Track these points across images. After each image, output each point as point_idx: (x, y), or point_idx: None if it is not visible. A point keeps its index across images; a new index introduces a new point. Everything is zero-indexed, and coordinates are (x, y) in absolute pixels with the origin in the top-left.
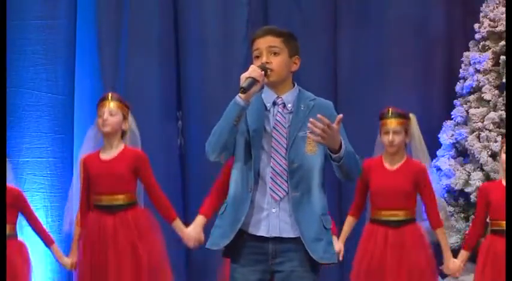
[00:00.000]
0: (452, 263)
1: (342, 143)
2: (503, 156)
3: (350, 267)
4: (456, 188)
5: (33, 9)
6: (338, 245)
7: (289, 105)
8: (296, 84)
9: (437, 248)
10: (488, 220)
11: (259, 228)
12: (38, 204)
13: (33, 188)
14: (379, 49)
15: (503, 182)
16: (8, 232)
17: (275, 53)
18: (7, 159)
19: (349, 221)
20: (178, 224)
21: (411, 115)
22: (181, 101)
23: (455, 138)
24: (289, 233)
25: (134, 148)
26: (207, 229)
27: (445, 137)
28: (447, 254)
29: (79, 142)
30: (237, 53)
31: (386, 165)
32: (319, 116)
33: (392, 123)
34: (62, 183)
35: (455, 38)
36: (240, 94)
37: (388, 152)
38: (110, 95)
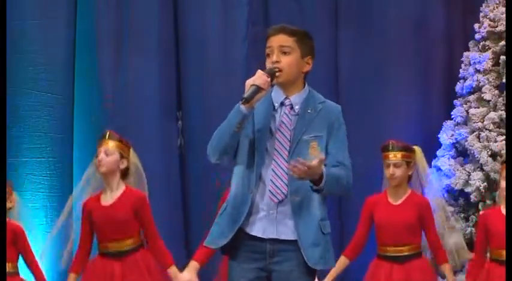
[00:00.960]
0: None
1: (324, 175)
2: (503, 183)
3: None
4: (456, 188)
5: (33, 9)
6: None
7: (297, 107)
8: (307, 86)
9: None
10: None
11: (253, 228)
12: (38, 204)
13: (33, 188)
14: (379, 49)
15: (503, 210)
16: (8, 269)
17: (285, 53)
18: (15, 191)
19: (342, 262)
20: (174, 270)
21: (416, 148)
22: (181, 101)
23: (455, 139)
24: (287, 235)
25: (137, 188)
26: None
27: (445, 137)
28: None
29: (78, 141)
30: (237, 53)
31: (391, 200)
32: (299, 160)
33: (393, 156)
34: (62, 183)
35: (455, 38)
36: (242, 103)
37: (390, 185)
38: (107, 134)
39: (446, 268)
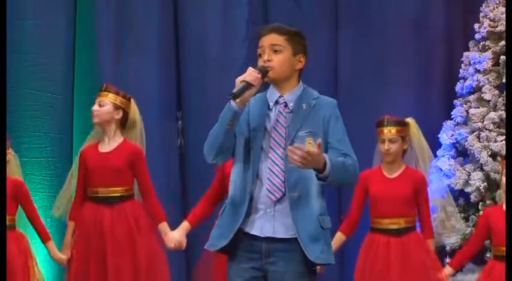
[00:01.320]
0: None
1: (327, 162)
2: (504, 179)
3: (350, 274)
4: (456, 188)
5: (33, 9)
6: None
7: (291, 104)
8: (301, 83)
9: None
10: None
11: (253, 227)
12: (37, 204)
13: (33, 188)
14: (379, 49)
15: (504, 207)
16: (7, 222)
17: (276, 51)
18: (15, 154)
19: (339, 238)
20: (164, 226)
21: (409, 120)
22: (181, 101)
23: (455, 139)
24: (283, 234)
25: (134, 142)
26: (192, 236)
27: (445, 137)
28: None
29: (78, 141)
30: (237, 53)
31: (386, 173)
32: (296, 145)
33: (388, 131)
34: (61, 183)
35: (455, 38)
36: (231, 99)
37: (385, 160)
38: (104, 86)
39: (430, 243)
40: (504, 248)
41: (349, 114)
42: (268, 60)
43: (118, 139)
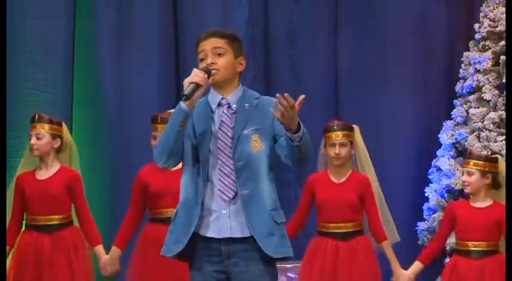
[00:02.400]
0: (402, 275)
1: (301, 124)
2: (464, 177)
3: None
4: (456, 188)
5: (32, 8)
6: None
7: (234, 105)
8: (241, 85)
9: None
10: (452, 239)
11: (209, 230)
12: None
13: None
14: (379, 49)
15: (472, 203)
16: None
17: (220, 54)
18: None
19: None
20: (100, 249)
21: (355, 127)
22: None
23: (455, 138)
24: (240, 233)
25: (70, 165)
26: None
27: (445, 137)
28: (396, 266)
29: (78, 141)
30: None
31: (333, 178)
32: (286, 94)
33: (338, 135)
34: None
35: (455, 38)
36: (183, 101)
37: (334, 165)
38: (36, 116)
39: (385, 245)
40: (468, 243)
41: (349, 114)
42: (213, 63)
43: (55, 166)
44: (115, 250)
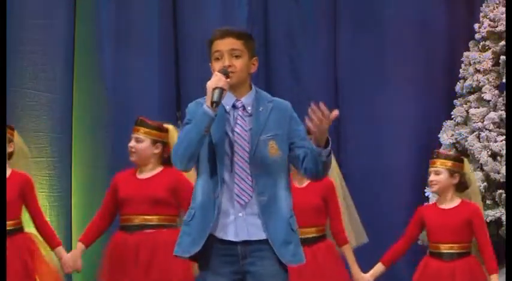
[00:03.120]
0: (361, 278)
1: (329, 141)
2: (432, 177)
3: None
4: None
5: (32, 8)
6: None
7: (249, 107)
8: (253, 86)
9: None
10: (420, 241)
11: (227, 232)
12: None
13: None
14: (379, 49)
15: (439, 205)
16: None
17: (237, 56)
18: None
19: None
20: (60, 250)
21: None
22: (180, 101)
23: (455, 138)
24: (258, 235)
25: (22, 169)
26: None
27: (445, 137)
28: (355, 268)
29: (78, 141)
30: None
31: (296, 183)
32: (321, 104)
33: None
34: (61, 183)
35: (455, 38)
36: (210, 107)
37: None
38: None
39: (346, 248)
40: (440, 245)
41: (349, 114)
42: (230, 66)
43: (7, 171)
44: (79, 246)
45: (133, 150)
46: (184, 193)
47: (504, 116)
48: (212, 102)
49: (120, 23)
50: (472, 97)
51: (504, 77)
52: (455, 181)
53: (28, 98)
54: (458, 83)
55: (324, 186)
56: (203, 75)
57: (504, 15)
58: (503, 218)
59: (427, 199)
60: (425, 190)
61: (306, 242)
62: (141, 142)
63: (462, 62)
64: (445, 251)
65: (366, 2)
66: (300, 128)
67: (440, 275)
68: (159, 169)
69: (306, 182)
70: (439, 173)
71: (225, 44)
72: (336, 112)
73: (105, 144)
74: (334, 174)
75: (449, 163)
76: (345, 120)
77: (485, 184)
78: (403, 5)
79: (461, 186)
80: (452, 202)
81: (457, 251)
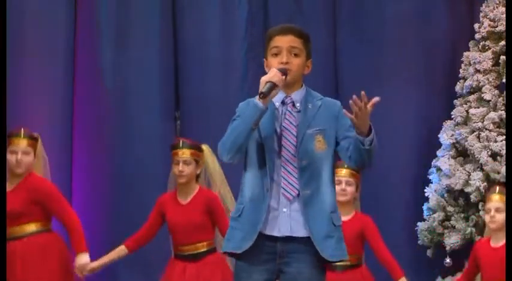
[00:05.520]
0: None
1: (372, 129)
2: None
3: None
4: (456, 188)
5: (32, 8)
6: (94, 263)
7: (298, 104)
8: (304, 85)
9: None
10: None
11: (271, 228)
12: None
13: None
14: (379, 49)
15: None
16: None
17: (296, 54)
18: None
19: (121, 250)
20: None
21: (204, 147)
22: (179, 101)
23: (455, 138)
24: (300, 232)
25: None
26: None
27: (445, 137)
28: None
29: (78, 142)
30: (236, 53)
31: (180, 199)
32: (363, 93)
33: (183, 153)
34: (61, 184)
35: (455, 38)
36: (259, 99)
37: (179, 183)
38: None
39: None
40: None
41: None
42: (287, 63)
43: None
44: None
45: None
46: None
47: (504, 116)
48: (260, 93)
49: (119, 23)
50: (472, 97)
51: (504, 77)
52: (357, 194)
53: (28, 98)
54: (458, 83)
55: (207, 199)
56: (202, 75)
57: (504, 15)
58: None
59: (427, 199)
60: (425, 190)
61: (193, 258)
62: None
63: (462, 62)
64: (338, 263)
65: (366, 2)
66: (347, 121)
67: None
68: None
69: (189, 197)
70: (351, 184)
71: (285, 41)
72: (376, 98)
73: (106, 144)
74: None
75: (355, 174)
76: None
77: (485, 184)
78: (403, 4)
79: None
80: (349, 214)
81: (349, 263)
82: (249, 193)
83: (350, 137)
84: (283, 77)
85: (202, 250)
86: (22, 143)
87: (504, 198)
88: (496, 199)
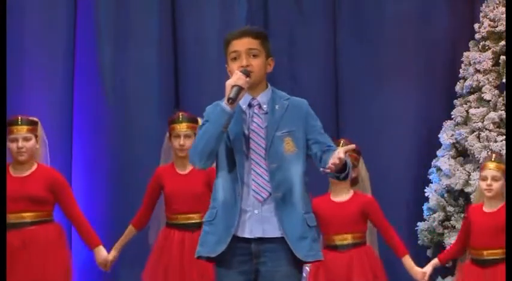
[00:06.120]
0: None
1: (347, 162)
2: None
3: None
4: (456, 188)
5: (32, 8)
6: (112, 253)
7: (265, 106)
8: (269, 85)
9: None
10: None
11: (243, 230)
12: None
13: None
14: (379, 49)
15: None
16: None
17: (255, 56)
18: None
19: (130, 231)
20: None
21: (200, 119)
22: (179, 100)
23: (455, 138)
24: (272, 233)
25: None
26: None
27: (445, 137)
28: None
29: (78, 142)
30: None
31: (179, 170)
32: (339, 157)
33: (183, 127)
34: None
35: (455, 38)
36: (227, 103)
37: (178, 156)
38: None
39: None
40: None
41: (349, 113)
42: (248, 65)
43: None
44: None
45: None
46: None
47: (504, 116)
48: (228, 99)
49: (119, 22)
50: (472, 97)
51: (504, 77)
52: (355, 174)
53: (28, 98)
54: (458, 83)
55: (207, 171)
56: (201, 74)
57: (504, 15)
58: None
59: (427, 199)
60: (425, 190)
61: (189, 227)
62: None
63: (462, 62)
64: (339, 243)
65: (366, 2)
66: (317, 123)
67: (337, 266)
68: None
69: (188, 169)
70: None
71: (242, 44)
72: (351, 146)
73: (106, 144)
74: None
75: (353, 155)
76: (345, 120)
77: None
78: (403, 5)
79: (355, 179)
80: (346, 195)
81: (351, 241)
82: (222, 196)
83: (321, 142)
84: (247, 78)
85: (199, 221)
86: (21, 130)
87: (500, 166)
88: (493, 167)
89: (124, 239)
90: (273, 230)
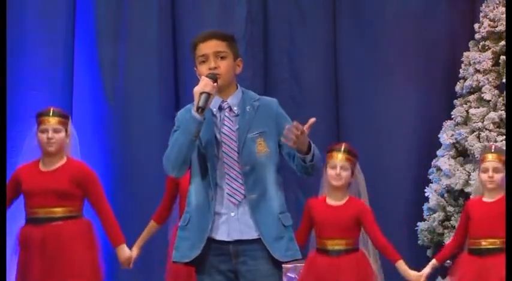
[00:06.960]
0: None
1: (311, 145)
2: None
3: None
4: (456, 188)
5: (32, 8)
6: (134, 251)
7: (235, 108)
8: (239, 86)
9: None
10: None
11: (221, 233)
12: None
13: None
14: (379, 49)
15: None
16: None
17: (222, 58)
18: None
19: (152, 226)
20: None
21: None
22: (179, 101)
23: (455, 138)
24: (250, 234)
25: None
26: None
27: (445, 137)
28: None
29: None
30: None
31: None
32: (295, 123)
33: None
34: None
35: (455, 38)
36: (196, 112)
37: None
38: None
39: None
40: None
41: (348, 113)
42: (216, 68)
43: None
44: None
45: None
46: None
47: (504, 116)
48: (198, 108)
49: (119, 22)
50: (472, 97)
51: (504, 77)
52: (351, 179)
53: (29, 98)
54: (458, 83)
55: None
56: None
57: (504, 15)
58: None
59: (427, 199)
60: (425, 190)
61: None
62: None
63: (462, 62)
64: (331, 247)
65: (366, 2)
66: (287, 121)
67: (327, 271)
68: None
69: None
70: (346, 169)
71: (209, 47)
72: (312, 120)
73: (106, 143)
74: None
75: (352, 159)
76: (345, 120)
77: None
78: (403, 4)
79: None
80: (342, 199)
81: (343, 247)
82: (195, 201)
83: None
84: (215, 84)
85: None
86: (52, 121)
87: (500, 157)
88: (493, 158)
89: (146, 236)
90: (250, 232)
